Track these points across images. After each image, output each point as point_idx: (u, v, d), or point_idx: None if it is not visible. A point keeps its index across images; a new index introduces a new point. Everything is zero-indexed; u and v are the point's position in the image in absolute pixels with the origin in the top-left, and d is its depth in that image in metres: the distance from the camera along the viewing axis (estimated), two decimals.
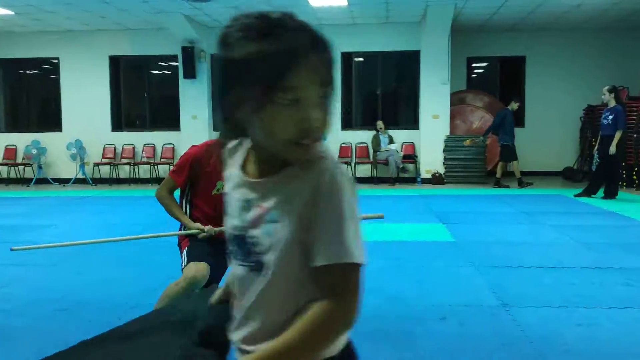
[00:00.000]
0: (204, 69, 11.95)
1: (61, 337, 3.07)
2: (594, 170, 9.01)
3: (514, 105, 10.65)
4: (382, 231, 6.12)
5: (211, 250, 2.88)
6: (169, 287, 2.83)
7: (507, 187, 10.60)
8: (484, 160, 11.40)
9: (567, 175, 12.14)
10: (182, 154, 3.04)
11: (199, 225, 2.90)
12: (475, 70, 13.54)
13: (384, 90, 12.76)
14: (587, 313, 3.40)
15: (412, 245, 5.43)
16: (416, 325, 3.22)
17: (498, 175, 10.71)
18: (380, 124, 11.80)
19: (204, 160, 2.86)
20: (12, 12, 10.69)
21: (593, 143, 10.83)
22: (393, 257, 4.87)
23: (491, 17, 11.36)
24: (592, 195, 8.90)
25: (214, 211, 2.95)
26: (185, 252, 2.94)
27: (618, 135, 8.49)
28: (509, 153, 10.62)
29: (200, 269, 2.79)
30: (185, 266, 2.87)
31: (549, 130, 12.77)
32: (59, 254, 5.14)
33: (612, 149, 8.51)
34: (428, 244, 5.50)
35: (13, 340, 3.04)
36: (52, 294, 3.87)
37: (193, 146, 3.03)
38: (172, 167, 3.18)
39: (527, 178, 12.39)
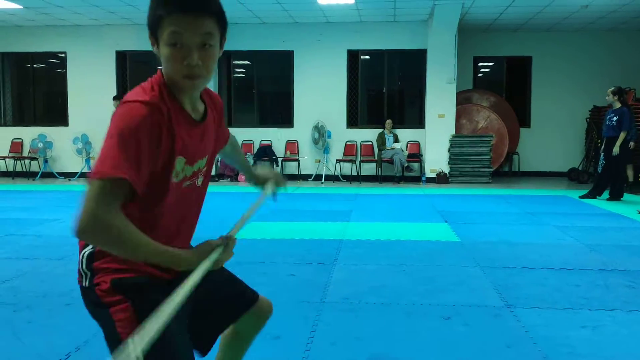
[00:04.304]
0: None
1: (69, 331, 3.10)
2: (599, 171, 8.98)
3: (625, 97, 8.85)
4: (386, 230, 6.14)
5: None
6: None
7: None
8: (489, 160, 11.39)
9: (573, 177, 12.14)
10: None
11: (212, 241, 1.48)
12: (482, 70, 13.53)
13: (390, 89, 12.75)
14: (591, 315, 3.41)
15: (416, 244, 5.44)
16: (420, 325, 3.23)
17: (630, 179, 10.11)
18: (389, 123, 11.80)
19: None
20: (21, 6, 10.73)
21: (599, 144, 10.78)
22: (397, 257, 4.89)
23: (498, 17, 11.34)
24: (598, 197, 8.89)
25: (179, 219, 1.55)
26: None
27: (622, 136, 8.47)
28: (624, 154, 8.73)
29: None
30: None
31: (554, 131, 12.76)
32: (67, 248, 5.17)
33: (616, 149, 8.49)
34: (432, 243, 5.51)
35: (21, 334, 3.06)
36: (59, 288, 3.90)
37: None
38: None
39: (531, 179, 12.36)
